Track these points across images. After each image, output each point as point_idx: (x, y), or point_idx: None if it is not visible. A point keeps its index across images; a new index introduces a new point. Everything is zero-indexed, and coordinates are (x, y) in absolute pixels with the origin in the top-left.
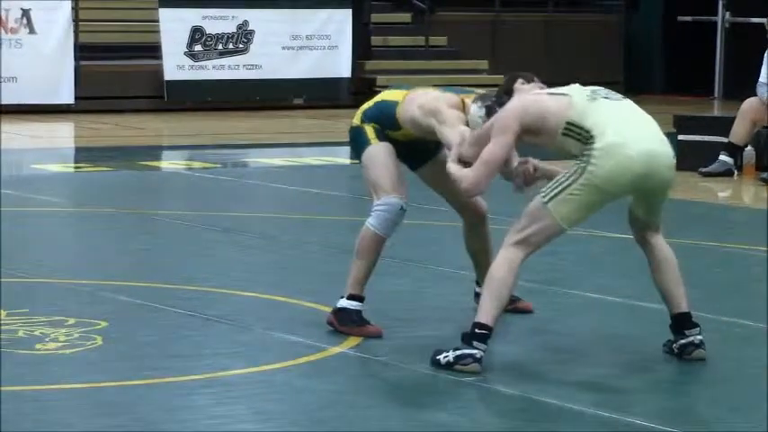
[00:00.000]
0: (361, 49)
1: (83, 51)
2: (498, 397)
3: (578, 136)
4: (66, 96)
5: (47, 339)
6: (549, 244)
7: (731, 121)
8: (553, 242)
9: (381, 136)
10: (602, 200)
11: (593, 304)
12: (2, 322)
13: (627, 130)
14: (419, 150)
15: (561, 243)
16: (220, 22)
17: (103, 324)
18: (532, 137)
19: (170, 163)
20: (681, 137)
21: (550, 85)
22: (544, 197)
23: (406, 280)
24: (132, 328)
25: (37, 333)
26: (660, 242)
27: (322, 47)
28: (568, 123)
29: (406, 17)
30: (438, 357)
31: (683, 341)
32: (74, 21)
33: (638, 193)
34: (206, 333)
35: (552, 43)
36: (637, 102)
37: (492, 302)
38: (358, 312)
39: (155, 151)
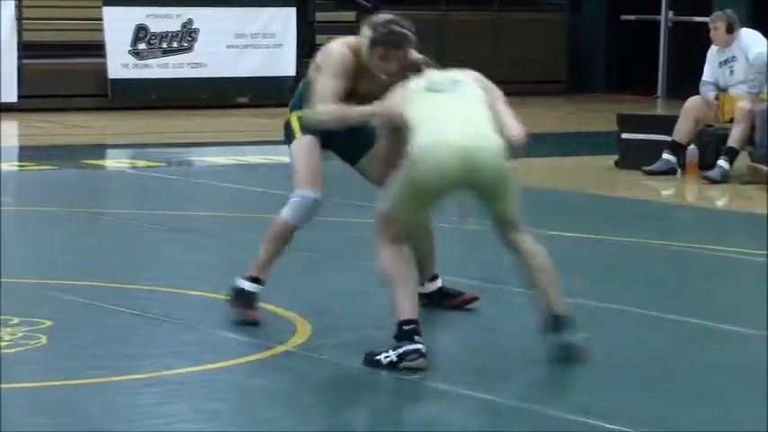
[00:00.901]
0: (306, 48)
1: (26, 50)
2: (442, 394)
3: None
4: (10, 95)
5: None
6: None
7: (674, 119)
8: (493, 240)
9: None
10: (426, 198)
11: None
12: None
13: (444, 127)
14: (353, 143)
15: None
16: (165, 20)
17: (48, 323)
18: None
19: (115, 162)
20: (624, 135)
21: (496, 84)
22: (387, 197)
23: (351, 277)
24: (77, 327)
25: None
26: (526, 243)
27: (267, 45)
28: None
29: (350, 16)
30: (377, 357)
31: (559, 342)
32: (17, 19)
33: (468, 189)
34: (151, 332)
35: (498, 42)
36: (580, 100)
37: (402, 296)
38: (254, 295)
39: (99, 150)
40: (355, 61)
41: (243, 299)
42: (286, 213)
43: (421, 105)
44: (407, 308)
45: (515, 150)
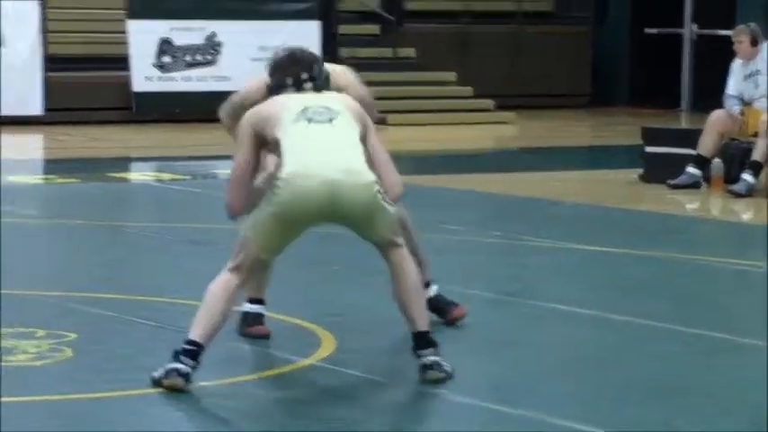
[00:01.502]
0: (329, 61)
1: (52, 63)
2: (464, 408)
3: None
4: (36, 108)
5: (16, 351)
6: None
7: (699, 133)
8: (519, 254)
9: None
10: (287, 228)
11: (558, 315)
12: None
13: (309, 158)
14: None
15: (525, 254)
16: (189, 33)
17: (73, 336)
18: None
19: (139, 174)
20: (648, 149)
21: (518, 97)
22: (247, 224)
23: (373, 290)
24: (102, 340)
25: (6, 345)
26: (398, 258)
27: None
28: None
29: (374, 29)
30: (153, 373)
31: (418, 362)
32: (43, 32)
33: (332, 220)
34: (175, 345)
35: (520, 56)
36: (604, 113)
37: (204, 320)
38: (257, 315)
39: (123, 163)
40: None
41: (249, 320)
42: None
43: (293, 133)
44: (198, 330)
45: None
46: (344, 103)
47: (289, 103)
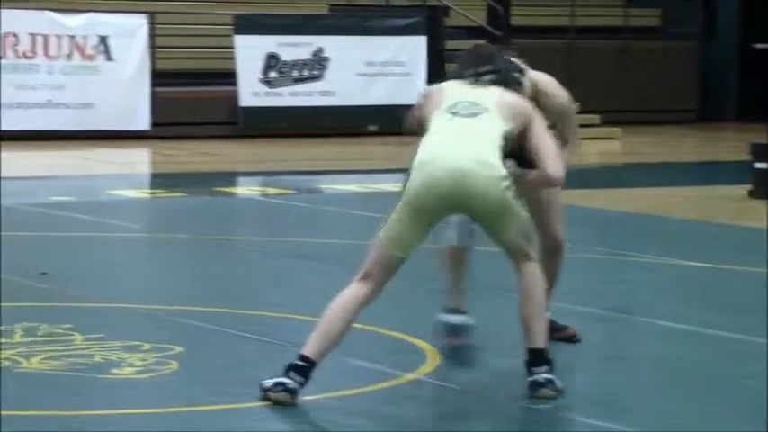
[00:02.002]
0: (436, 77)
1: (159, 78)
2: (573, 424)
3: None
4: (143, 122)
5: (123, 364)
6: (391, 274)
7: None
8: (624, 270)
9: None
10: (418, 217)
11: (665, 332)
12: (79, 347)
13: (441, 147)
14: None
15: (629, 271)
16: (295, 48)
17: (179, 349)
18: None
19: (245, 189)
20: (757, 165)
21: (625, 113)
22: (382, 227)
23: (481, 306)
24: (208, 353)
25: (113, 358)
26: (527, 271)
27: (396, 74)
28: None
29: (481, 44)
30: (263, 381)
31: (530, 379)
32: (150, 48)
33: (462, 212)
34: (280, 359)
35: (627, 71)
36: (712, 129)
37: (320, 337)
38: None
39: (230, 177)
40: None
41: (452, 331)
42: (449, 237)
43: (436, 123)
44: (312, 347)
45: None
46: (499, 100)
47: (448, 93)
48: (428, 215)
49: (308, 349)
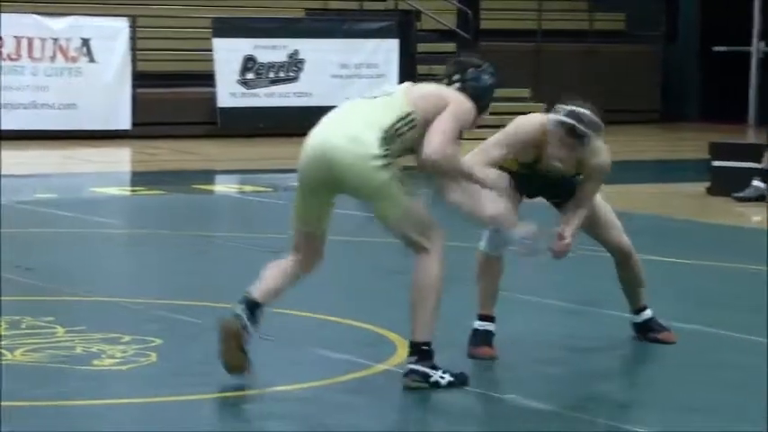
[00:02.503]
0: (408, 78)
1: (140, 79)
2: (540, 415)
3: None
4: (124, 122)
5: (103, 356)
6: (313, 246)
7: (765, 147)
8: (591, 265)
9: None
10: (307, 193)
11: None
12: (61, 339)
13: (319, 126)
14: (552, 186)
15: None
16: (272, 51)
17: (158, 341)
18: None
19: (223, 186)
20: (715, 163)
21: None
22: None
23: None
24: (186, 345)
25: (94, 350)
26: (418, 263)
27: (370, 75)
28: None
29: (450, 47)
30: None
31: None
32: (132, 50)
33: (338, 188)
34: (256, 350)
35: (592, 72)
36: (674, 129)
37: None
38: (485, 333)
39: (208, 175)
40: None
41: (477, 339)
42: (482, 245)
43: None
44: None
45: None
46: (410, 87)
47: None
48: (314, 190)
49: (255, 292)
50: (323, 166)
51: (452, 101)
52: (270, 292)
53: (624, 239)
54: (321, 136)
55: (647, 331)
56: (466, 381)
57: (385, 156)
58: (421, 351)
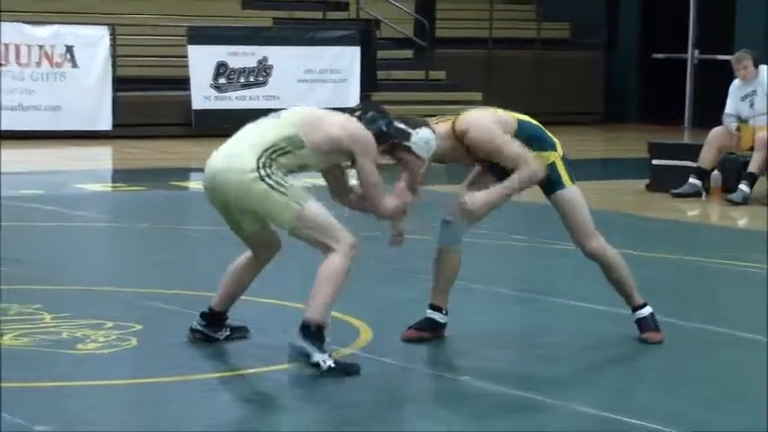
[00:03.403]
0: (369, 82)
1: (120, 83)
2: (492, 395)
3: None
4: (105, 123)
5: (87, 340)
6: (254, 248)
7: (700, 147)
8: (542, 256)
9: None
10: (220, 212)
11: (578, 311)
12: (48, 325)
13: (218, 150)
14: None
15: (548, 257)
16: (243, 57)
17: (138, 327)
18: None
19: (197, 183)
20: (654, 161)
21: (538, 115)
22: None
23: (412, 288)
24: (164, 330)
25: (78, 335)
26: (325, 259)
27: (333, 80)
28: None
29: (408, 53)
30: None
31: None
32: (112, 56)
33: (231, 207)
34: (229, 337)
35: (541, 78)
36: (615, 130)
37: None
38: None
39: (184, 173)
40: None
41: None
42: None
43: None
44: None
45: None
46: (295, 111)
47: None
48: (221, 212)
49: (214, 302)
50: (215, 191)
51: (338, 125)
52: (225, 299)
53: (592, 245)
54: (209, 164)
55: (639, 330)
56: (354, 371)
57: (261, 168)
58: (309, 330)
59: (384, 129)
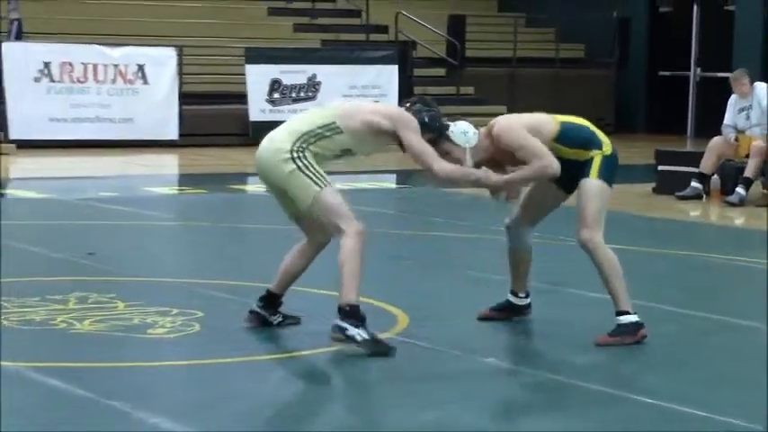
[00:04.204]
0: (405, 97)
1: (185, 98)
2: (517, 375)
3: None
4: (172, 134)
5: (156, 326)
6: (307, 232)
7: (701, 155)
8: (558, 252)
9: None
10: (272, 194)
11: (592, 301)
12: (121, 312)
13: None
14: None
15: (563, 252)
16: (294, 75)
17: (200, 314)
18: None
19: (254, 187)
20: (660, 167)
21: None
22: None
23: (443, 280)
24: (223, 317)
25: (148, 321)
26: (341, 245)
27: (374, 95)
28: None
29: (441, 71)
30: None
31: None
32: (179, 74)
33: (274, 188)
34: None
35: (559, 93)
36: (625, 139)
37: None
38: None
39: (241, 177)
40: None
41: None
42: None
43: None
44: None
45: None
46: (340, 103)
47: None
48: (270, 191)
49: (273, 284)
50: (260, 171)
51: (372, 111)
52: (282, 282)
53: (585, 235)
54: (258, 150)
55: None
56: (386, 350)
57: (295, 151)
58: (345, 311)
59: (426, 120)
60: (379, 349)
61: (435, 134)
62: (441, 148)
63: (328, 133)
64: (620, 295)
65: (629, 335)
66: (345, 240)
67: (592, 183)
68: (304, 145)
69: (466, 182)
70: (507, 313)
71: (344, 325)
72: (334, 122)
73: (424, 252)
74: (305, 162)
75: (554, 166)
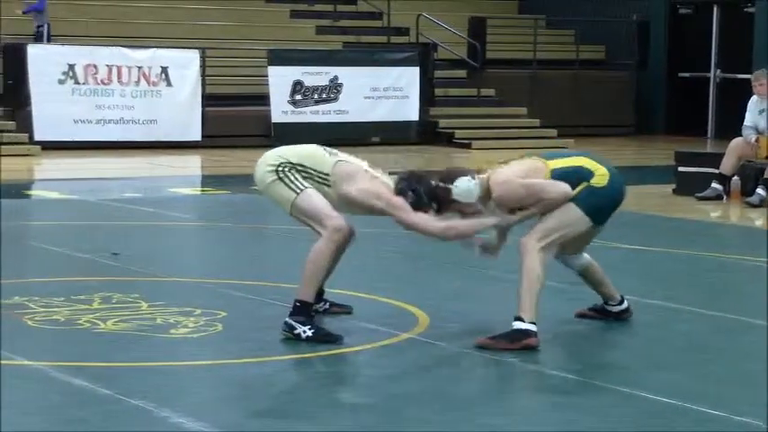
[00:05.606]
0: (427, 99)
1: (208, 100)
2: (538, 375)
3: None
4: (195, 135)
5: (179, 326)
6: None
7: (721, 156)
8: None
9: None
10: None
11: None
12: (145, 312)
13: None
14: None
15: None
16: (316, 76)
17: (223, 314)
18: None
19: None
20: (680, 168)
21: (577, 127)
22: None
23: (462, 280)
24: (245, 317)
25: (171, 320)
26: (315, 244)
27: (396, 96)
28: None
29: (462, 73)
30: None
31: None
32: (201, 76)
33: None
34: None
35: (578, 94)
36: (645, 140)
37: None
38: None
39: None
40: None
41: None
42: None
43: None
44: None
45: None
46: (348, 165)
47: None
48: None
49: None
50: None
51: (360, 188)
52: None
53: (527, 240)
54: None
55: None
56: (334, 340)
57: (279, 166)
58: (295, 306)
59: (423, 195)
60: (326, 341)
61: (435, 205)
62: (453, 208)
63: (318, 178)
64: (524, 304)
65: (507, 341)
66: (320, 242)
67: (567, 204)
68: (291, 168)
69: (484, 229)
70: (605, 315)
71: (292, 323)
72: (329, 175)
73: (441, 252)
74: (288, 174)
75: (564, 188)
